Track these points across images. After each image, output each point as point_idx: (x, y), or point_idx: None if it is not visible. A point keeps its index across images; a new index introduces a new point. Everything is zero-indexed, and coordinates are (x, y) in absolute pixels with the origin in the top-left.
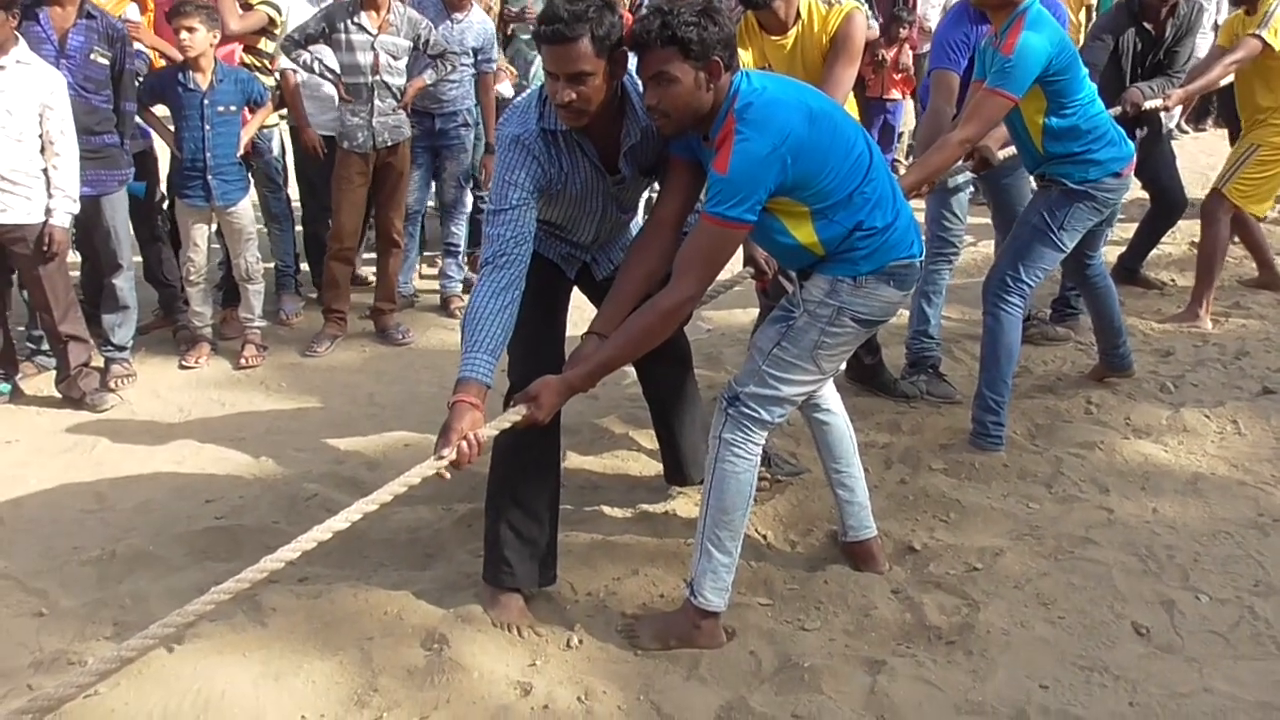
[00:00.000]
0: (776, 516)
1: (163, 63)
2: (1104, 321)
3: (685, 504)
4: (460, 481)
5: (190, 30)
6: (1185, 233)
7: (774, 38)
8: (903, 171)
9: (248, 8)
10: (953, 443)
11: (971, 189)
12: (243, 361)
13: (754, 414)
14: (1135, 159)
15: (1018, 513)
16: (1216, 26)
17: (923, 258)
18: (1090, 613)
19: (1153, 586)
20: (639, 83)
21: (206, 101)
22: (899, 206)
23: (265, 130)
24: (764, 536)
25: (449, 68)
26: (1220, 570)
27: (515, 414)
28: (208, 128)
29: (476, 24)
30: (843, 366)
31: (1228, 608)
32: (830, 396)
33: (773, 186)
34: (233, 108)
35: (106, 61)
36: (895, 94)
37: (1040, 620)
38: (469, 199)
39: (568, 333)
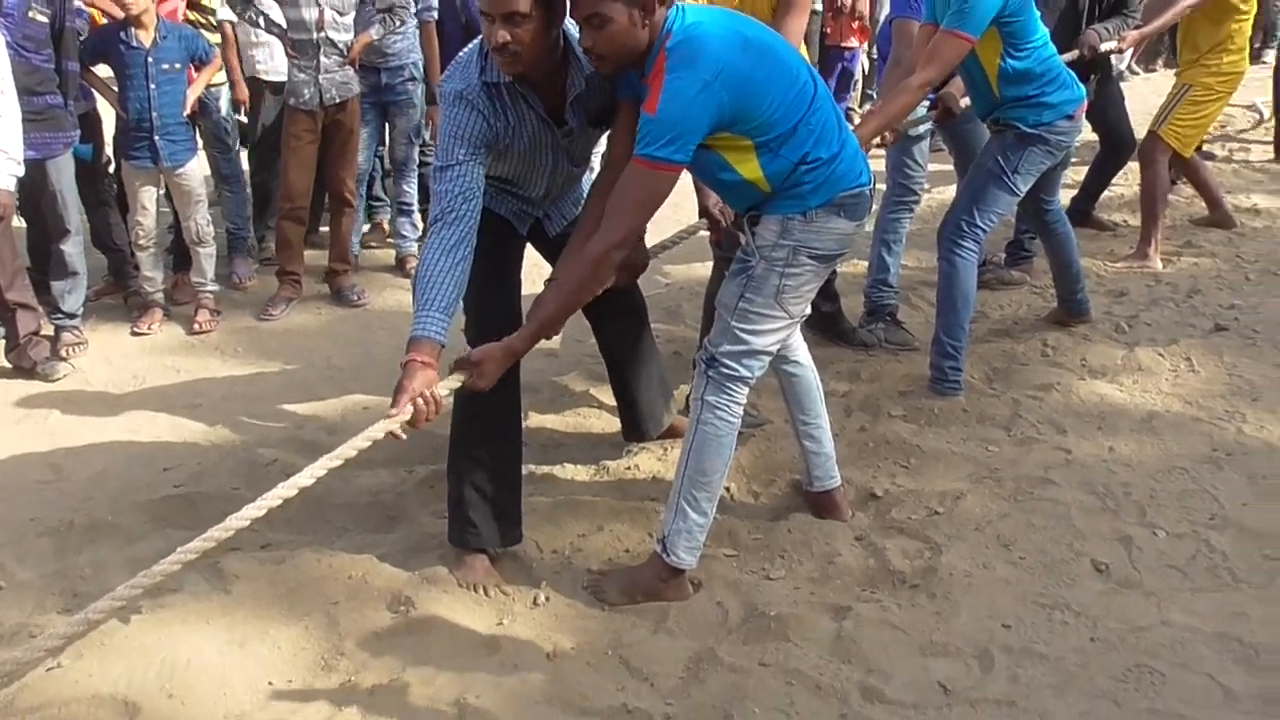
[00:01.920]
0: (739, 468)
1: (104, 21)
2: (1062, 267)
3: (648, 459)
4: (421, 443)
5: None
6: (1136, 173)
7: None
8: (858, 120)
9: None
10: (912, 389)
11: (931, 135)
12: (196, 327)
13: (733, 371)
14: (1087, 101)
15: (977, 456)
16: None
17: (871, 187)
18: (1050, 551)
19: (1110, 524)
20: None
21: (150, 59)
22: (844, 137)
23: (213, 89)
24: (728, 488)
25: (397, 22)
26: (1176, 505)
27: (456, 380)
28: (153, 86)
29: None
30: (808, 310)
31: (1184, 542)
32: (799, 347)
33: (708, 124)
34: (177, 65)
35: (46, 19)
36: (853, 41)
37: (1001, 561)
38: (416, 154)
39: (524, 291)
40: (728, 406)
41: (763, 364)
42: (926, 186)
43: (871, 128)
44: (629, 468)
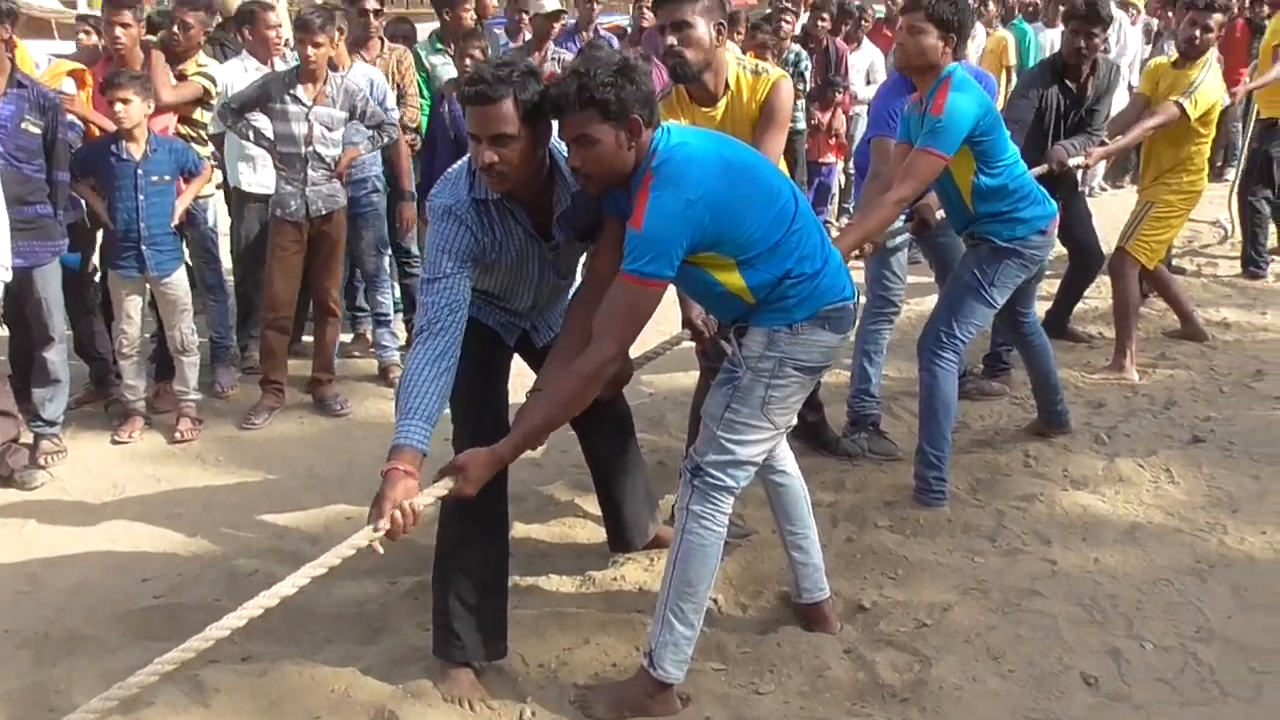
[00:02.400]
0: (726, 579)
1: (97, 134)
2: (1041, 379)
3: (634, 570)
4: (406, 553)
5: (125, 101)
6: (1108, 286)
7: (704, 109)
8: (835, 233)
9: (182, 78)
10: (897, 499)
11: (909, 247)
12: (178, 435)
13: (718, 481)
14: (1058, 216)
15: (964, 567)
16: (1130, 88)
17: (855, 300)
18: (1039, 664)
19: (1098, 636)
20: (566, 149)
21: (140, 171)
22: (827, 252)
23: (200, 200)
24: (715, 600)
25: (385, 139)
26: (1162, 617)
27: (442, 487)
28: (141, 198)
29: (362, 79)
30: (794, 421)
31: (1172, 654)
32: (785, 457)
33: (688, 242)
34: (167, 177)
35: (38, 131)
36: (829, 157)
37: (991, 674)
38: (387, 264)
39: (510, 400)
40: (713, 516)
41: (748, 474)
42: (905, 298)
43: (850, 241)
44: (615, 579)
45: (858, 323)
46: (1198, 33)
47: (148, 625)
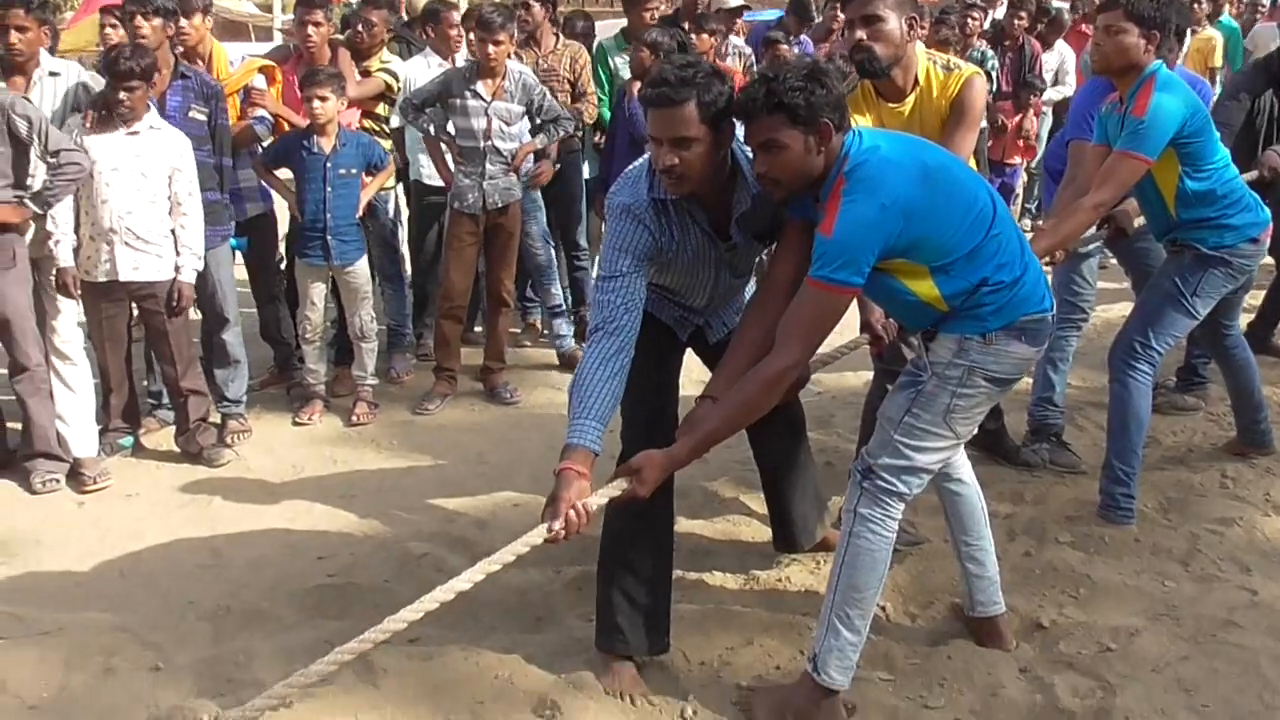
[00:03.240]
0: (896, 588)
1: (288, 129)
2: (1243, 395)
3: (799, 571)
4: (570, 544)
5: (322, 99)
6: None
7: (891, 105)
8: (1029, 235)
9: (366, 74)
10: (1079, 515)
11: (1102, 254)
12: (355, 419)
13: (890, 486)
14: (1271, 225)
15: (1153, 591)
16: None
17: (1054, 312)
18: (1237, 702)
19: None
20: (749, 150)
21: (329, 164)
22: (1027, 260)
23: (383, 193)
24: (883, 608)
25: (561, 133)
26: None
27: (616, 488)
28: (329, 190)
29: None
30: (975, 430)
31: None
32: (962, 465)
33: (880, 249)
34: (354, 170)
35: (204, 118)
36: (1015, 159)
37: (1182, 708)
38: (552, 255)
39: (681, 393)
40: (882, 521)
41: (921, 482)
42: (1094, 304)
43: (1044, 246)
44: (780, 579)
45: None
46: None
47: (321, 603)
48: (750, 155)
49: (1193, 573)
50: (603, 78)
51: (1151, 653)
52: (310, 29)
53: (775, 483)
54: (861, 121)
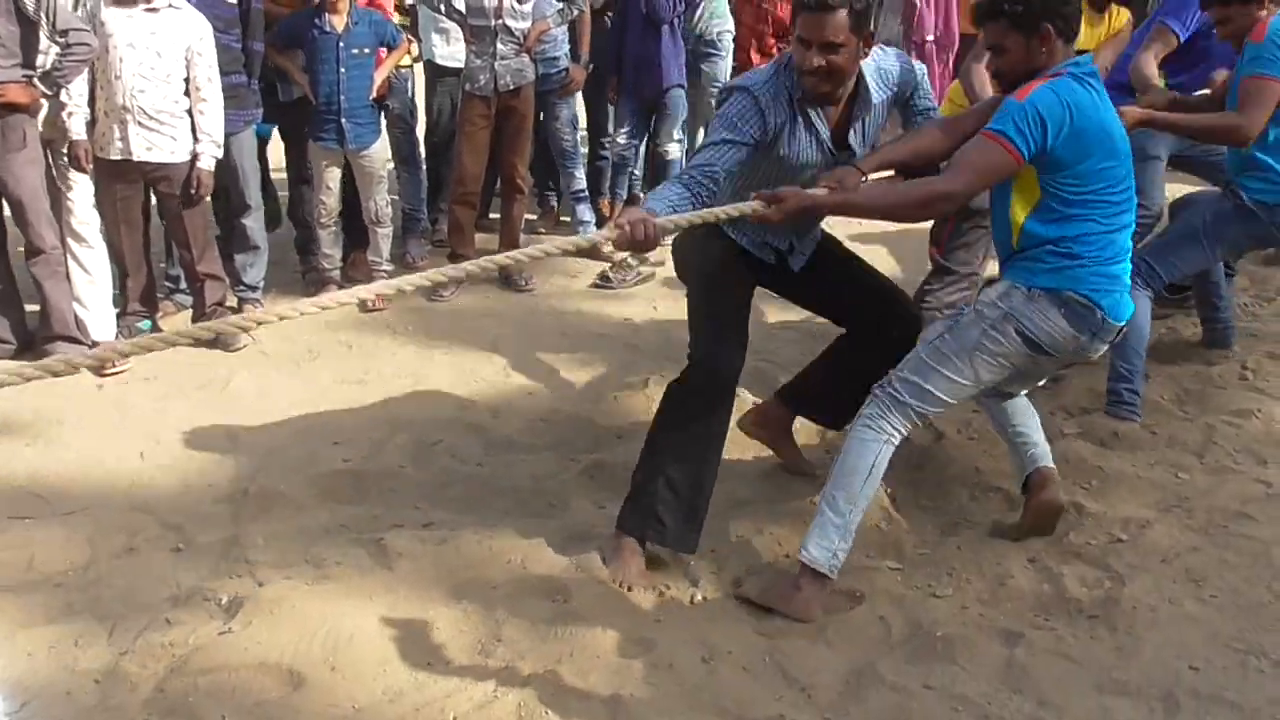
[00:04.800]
0: (908, 480)
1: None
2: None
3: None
4: (584, 431)
5: None
6: None
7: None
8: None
9: None
10: (1094, 407)
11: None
12: (369, 304)
13: (897, 395)
14: None
15: (1166, 483)
16: None
17: (1110, 314)
18: (1245, 592)
19: None
20: (879, 63)
21: (342, 44)
22: (1112, 254)
23: (402, 71)
24: (891, 495)
25: (574, 10)
26: None
27: (749, 205)
28: (343, 70)
29: None
30: (995, 380)
31: None
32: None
33: (1048, 133)
34: (367, 50)
35: (234, 0)
36: None
37: (1190, 598)
38: (578, 141)
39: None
40: (877, 421)
41: (925, 409)
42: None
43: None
44: (792, 478)
45: None
46: None
47: (337, 488)
48: (881, 71)
49: (1207, 465)
50: None
51: (1162, 544)
52: None
53: (843, 363)
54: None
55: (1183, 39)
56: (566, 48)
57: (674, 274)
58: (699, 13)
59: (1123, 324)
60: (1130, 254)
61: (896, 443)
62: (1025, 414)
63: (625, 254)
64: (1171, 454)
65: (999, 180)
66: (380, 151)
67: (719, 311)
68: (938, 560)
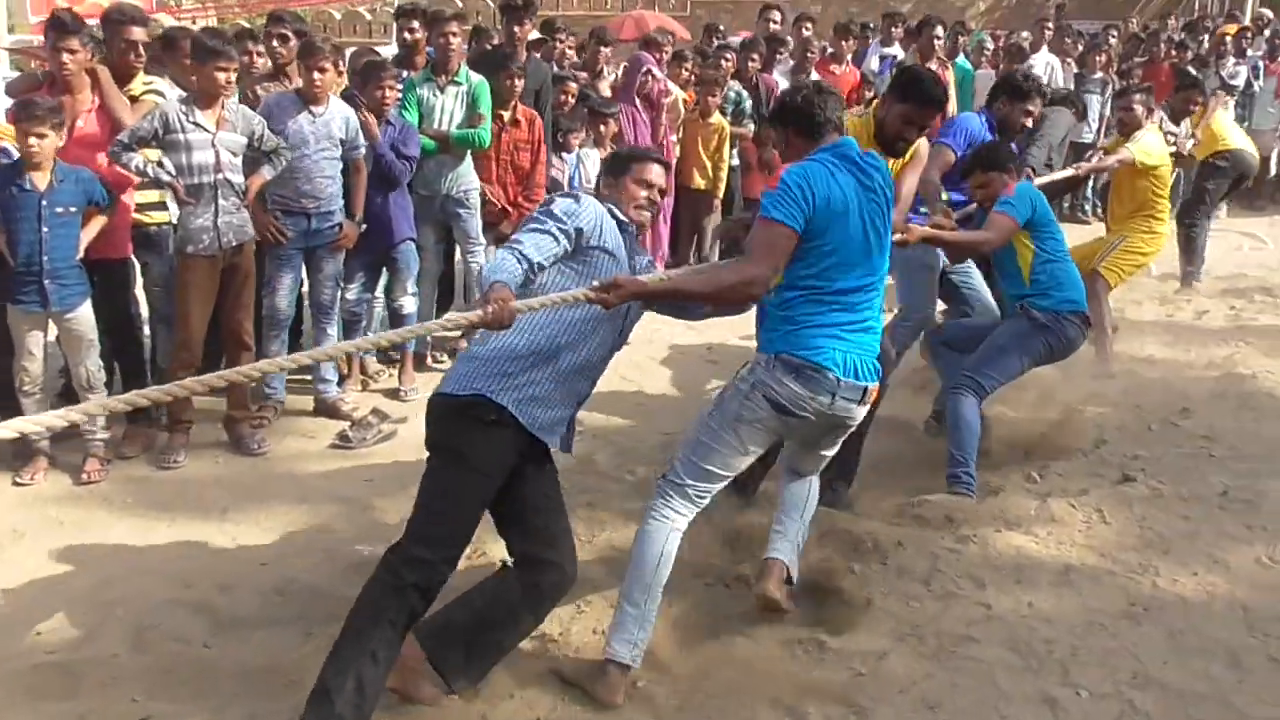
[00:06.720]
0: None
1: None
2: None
3: (581, 629)
4: (322, 604)
5: (40, 136)
6: None
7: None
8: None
9: (133, 99)
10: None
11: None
12: (84, 476)
13: (677, 480)
14: None
15: (898, 611)
16: None
17: (833, 371)
18: (976, 714)
19: (1034, 684)
20: None
21: (45, 202)
22: (836, 321)
23: (163, 228)
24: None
25: (281, 162)
26: (1098, 664)
27: (582, 292)
28: (45, 229)
29: (338, 115)
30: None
31: (1107, 702)
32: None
33: (805, 207)
34: (73, 209)
35: None
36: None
37: None
38: (336, 296)
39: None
40: (660, 510)
41: (705, 488)
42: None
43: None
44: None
45: None
46: None
47: (42, 684)
48: None
49: (934, 591)
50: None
51: (899, 674)
52: (65, 56)
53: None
54: None
55: (959, 155)
56: (341, 202)
57: (419, 435)
58: (447, 175)
59: (865, 383)
60: (876, 318)
61: (682, 527)
62: (795, 506)
63: (365, 412)
64: (901, 583)
65: (785, 250)
66: (88, 313)
67: (466, 518)
68: (687, 709)
